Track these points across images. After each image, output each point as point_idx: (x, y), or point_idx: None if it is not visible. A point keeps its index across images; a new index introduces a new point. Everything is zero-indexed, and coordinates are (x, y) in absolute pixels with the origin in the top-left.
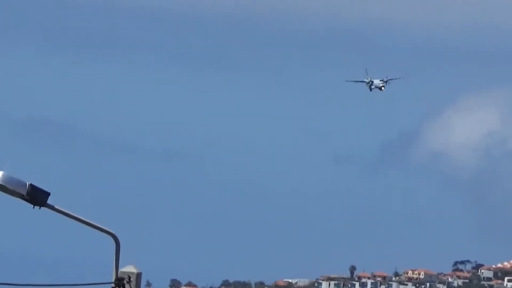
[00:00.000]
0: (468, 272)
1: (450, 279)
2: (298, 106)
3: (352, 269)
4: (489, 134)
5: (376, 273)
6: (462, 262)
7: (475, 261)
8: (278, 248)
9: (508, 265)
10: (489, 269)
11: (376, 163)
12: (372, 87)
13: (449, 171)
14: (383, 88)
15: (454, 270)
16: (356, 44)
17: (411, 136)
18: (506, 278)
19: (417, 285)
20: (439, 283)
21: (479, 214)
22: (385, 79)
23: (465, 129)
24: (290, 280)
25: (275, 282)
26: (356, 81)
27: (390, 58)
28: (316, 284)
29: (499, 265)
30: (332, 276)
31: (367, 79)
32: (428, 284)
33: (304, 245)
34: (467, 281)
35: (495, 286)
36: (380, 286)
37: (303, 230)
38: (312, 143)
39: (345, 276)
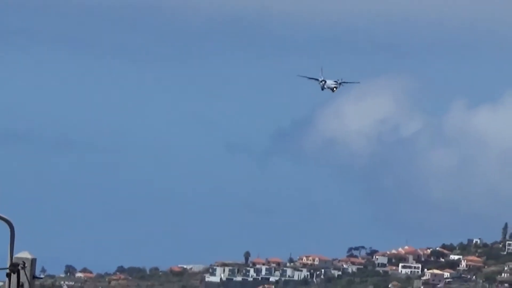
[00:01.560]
0: (363, 258)
1: (344, 265)
2: (190, 94)
3: (247, 255)
4: (382, 121)
5: (271, 259)
6: (357, 248)
7: (370, 247)
8: (173, 235)
9: (402, 251)
10: (384, 255)
11: (269, 151)
12: (325, 87)
13: (342, 158)
14: (335, 89)
15: (348, 256)
16: (246, 34)
17: (303, 124)
18: (400, 264)
19: (312, 271)
20: (334, 269)
21: (373, 200)
22: (339, 81)
23: (357, 116)
24: (184, 266)
25: (170, 268)
26: (309, 78)
27: (285, 45)
28: (210, 270)
29: (394, 251)
30: (226, 262)
31: (321, 78)
32: (322, 270)
33: (198, 231)
34: (361, 267)
35: (389, 272)
36: (274, 272)
37: (197, 217)
38: (204, 131)
39: (239, 262)
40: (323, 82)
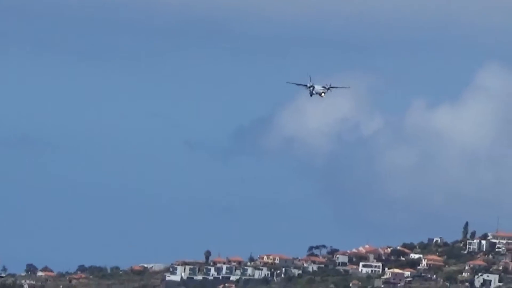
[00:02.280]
0: (323, 257)
1: (305, 264)
2: (149, 92)
3: (207, 254)
4: (342, 120)
5: (231, 258)
6: (317, 247)
7: (330, 246)
8: (133, 234)
9: (363, 250)
10: (344, 254)
11: (229, 149)
12: (313, 92)
13: (302, 157)
14: (323, 94)
15: (309, 255)
16: (207, 32)
17: (264, 123)
18: (361, 263)
19: (272, 270)
20: (294, 268)
21: (333, 199)
22: (328, 86)
23: (318, 115)
24: (145, 265)
25: (130, 267)
26: (298, 84)
27: (246, 43)
28: (171, 269)
29: (354, 250)
30: (187, 261)
31: (309, 83)
32: (283, 269)
33: (159, 230)
34: (322, 266)
35: (350, 271)
36: (235, 271)
37: (157, 216)
38: (163, 129)
39: (200, 261)
40: (312, 87)
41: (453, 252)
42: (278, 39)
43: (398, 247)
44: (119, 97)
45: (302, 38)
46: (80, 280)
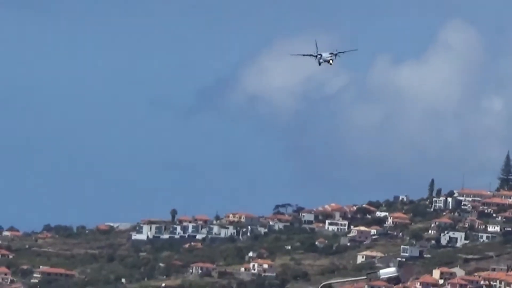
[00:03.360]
0: (289, 215)
1: (271, 222)
2: (113, 50)
3: (173, 212)
4: (306, 78)
5: (197, 217)
6: (283, 206)
7: (296, 205)
8: (99, 193)
9: (329, 208)
10: (310, 213)
11: (193, 107)
12: (321, 61)
13: (267, 115)
14: (331, 61)
15: (275, 214)
16: None
17: (227, 81)
18: (327, 221)
19: (238, 228)
20: (260, 226)
21: (298, 158)
22: (335, 52)
23: (281, 73)
24: (111, 224)
25: (96, 226)
26: (304, 55)
27: (206, 2)
28: (137, 228)
29: (320, 208)
30: (153, 220)
31: (315, 52)
32: (249, 227)
33: (124, 189)
34: (288, 224)
35: (316, 229)
36: (201, 229)
37: (122, 175)
38: (127, 87)
39: (166, 220)
40: (319, 56)
41: (419, 209)
42: None
43: (364, 205)
44: (81, 56)
45: None
46: (46, 239)
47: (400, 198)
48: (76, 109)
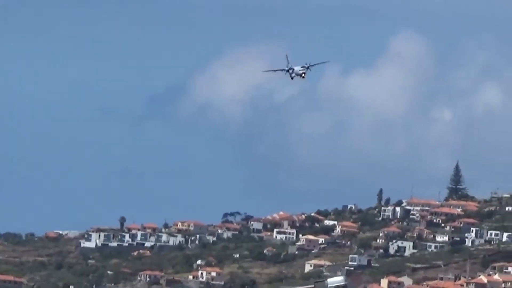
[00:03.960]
0: (238, 223)
1: (219, 231)
2: (63, 58)
3: (122, 220)
4: (256, 87)
5: (146, 225)
6: (232, 214)
7: (245, 213)
8: (47, 200)
9: (277, 217)
10: (259, 221)
11: (143, 115)
12: (293, 74)
13: (216, 123)
14: (303, 75)
15: (223, 222)
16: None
17: (178, 90)
18: (275, 230)
19: (187, 236)
20: (209, 234)
21: (247, 166)
22: (307, 65)
23: (232, 82)
24: (60, 232)
25: (45, 234)
26: (275, 70)
27: (159, 10)
28: (86, 236)
29: (268, 217)
30: (102, 227)
31: (287, 66)
32: (197, 235)
33: (73, 197)
34: (236, 232)
35: (264, 237)
36: (150, 237)
37: (71, 182)
38: (76, 94)
39: (115, 228)
40: (291, 70)
41: (367, 219)
42: (192, 6)
43: (312, 214)
44: (31, 63)
45: (213, 7)
46: None
47: (349, 207)
48: (25, 116)
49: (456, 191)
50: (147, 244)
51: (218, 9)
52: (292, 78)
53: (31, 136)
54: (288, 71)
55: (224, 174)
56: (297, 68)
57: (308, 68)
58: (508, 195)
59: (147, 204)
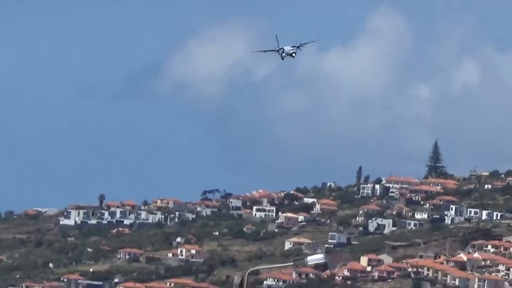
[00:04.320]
0: (217, 201)
1: (198, 208)
2: (38, 35)
3: (101, 198)
4: (233, 65)
5: (125, 202)
6: (211, 192)
7: (224, 191)
8: (26, 178)
9: (257, 195)
10: (238, 199)
11: (119, 94)
12: (283, 54)
13: (194, 101)
14: (294, 55)
15: (202, 200)
16: None
17: (154, 68)
18: (254, 207)
19: (166, 214)
20: (188, 212)
21: (226, 144)
22: (297, 44)
23: (208, 60)
24: (39, 209)
25: (24, 211)
26: (265, 51)
27: None
28: (65, 213)
29: (248, 194)
30: (81, 205)
31: (277, 47)
32: (177, 213)
33: (52, 174)
34: (216, 210)
35: (243, 215)
36: (129, 215)
37: (49, 160)
38: (52, 73)
39: (94, 205)
40: (281, 50)
41: (346, 196)
42: None
43: (292, 192)
44: (5, 42)
45: None
46: None
47: (328, 184)
48: (3, 97)
49: (435, 169)
50: (126, 222)
51: None
52: (282, 58)
53: (8, 115)
54: (278, 51)
55: (202, 152)
56: (288, 48)
57: (298, 47)
58: (487, 173)
59: (126, 182)
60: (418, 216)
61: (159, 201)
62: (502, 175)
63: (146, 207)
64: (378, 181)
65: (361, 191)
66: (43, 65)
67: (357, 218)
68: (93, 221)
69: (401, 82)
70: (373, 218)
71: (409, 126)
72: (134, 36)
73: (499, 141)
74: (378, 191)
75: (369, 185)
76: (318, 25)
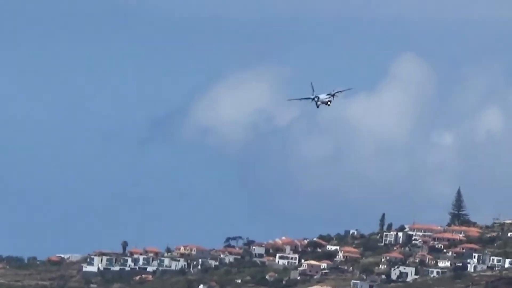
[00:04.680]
0: (240, 248)
1: (221, 255)
2: (64, 82)
3: (124, 244)
4: (257, 111)
5: (148, 249)
6: (234, 239)
7: (247, 238)
8: (51, 224)
9: (280, 242)
10: (261, 246)
11: (145, 139)
12: (319, 103)
13: (218, 147)
14: (329, 103)
15: (226, 247)
16: (124, 20)
17: (179, 113)
18: (277, 255)
19: (189, 260)
20: (211, 259)
21: (249, 190)
22: (332, 92)
23: (233, 105)
24: (62, 255)
25: (47, 257)
26: (300, 99)
27: (151, 32)
28: (88, 260)
29: (271, 241)
30: (104, 251)
31: (312, 95)
32: (200, 260)
33: (76, 221)
34: (239, 257)
35: (266, 262)
36: (152, 261)
37: (73, 206)
38: (79, 119)
39: (117, 252)
40: (317, 98)
41: (369, 244)
42: (193, 29)
43: (315, 239)
44: (34, 88)
45: (213, 29)
46: None
47: (351, 232)
48: (29, 142)
49: (458, 216)
50: (149, 269)
51: (219, 32)
52: (317, 107)
53: (35, 160)
54: (313, 99)
55: (226, 198)
56: (323, 96)
57: (333, 95)
58: (510, 221)
59: (149, 228)
60: (441, 264)
61: (182, 247)
62: None
63: (169, 254)
64: (401, 228)
65: (384, 239)
66: (69, 110)
67: (380, 265)
68: (116, 268)
69: (424, 128)
70: (396, 266)
71: (433, 173)
72: (159, 82)
73: None
74: (401, 239)
75: (392, 232)
76: (343, 72)
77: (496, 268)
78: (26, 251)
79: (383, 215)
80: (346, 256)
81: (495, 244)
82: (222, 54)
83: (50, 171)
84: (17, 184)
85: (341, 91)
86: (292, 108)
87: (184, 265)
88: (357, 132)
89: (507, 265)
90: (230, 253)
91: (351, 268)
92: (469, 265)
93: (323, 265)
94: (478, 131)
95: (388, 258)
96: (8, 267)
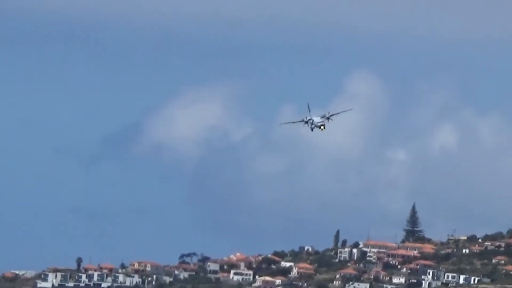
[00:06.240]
0: (195, 264)
1: (176, 272)
2: (19, 98)
3: (79, 261)
4: (211, 128)
5: (103, 265)
6: (189, 255)
7: (201, 254)
8: (4, 240)
9: (234, 258)
10: (215, 262)
11: (98, 155)
12: (313, 126)
13: (172, 163)
14: (323, 127)
15: (180, 263)
16: (79, 39)
17: (132, 129)
18: (232, 271)
19: (144, 277)
20: (166, 275)
21: (203, 207)
22: (327, 115)
23: (186, 122)
24: (17, 272)
25: (2, 274)
26: (294, 122)
27: (115, 50)
28: (42, 276)
29: (225, 258)
30: (59, 268)
31: (305, 118)
32: (154, 276)
33: (29, 237)
34: (193, 273)
35: (221, 279)
36: (106, 278)
37: (26, 223)
38: (31, 134)
39: (71, 268)
40: (311, 121)
41: (324, 260)
42: (148, 45)
43: (269, 255)
44: None
45: (170, 44)
46: None
47: (306, 248)
48: None
49: (413, 233)
50: (104, 285)
51: (174, 49)
52: (312, 130)
53: None
54: (307, 122)
55: (180, 214)
56: (317, 119)
57: (328, 118)
58: (464, 238)
59: (104, 244)
60: (395, 280)
61: (136, 263)
62: (480, 240)
63: (123, 270)
64: (356, 245)
65: (338, 255)
66: (21, 126)
67: (334, 282)
68: (71, 284)
69: (378, 145)
70: (350, 282)
71: (387, 189)
72: (113, 98)
73: (477, 205)
74: (355, 255)
75: (346, 249)
76: (297, 88)
77: (451, 285)
78: None
79: (338, 231)
80: (301, 273)
81: (450, 261)
82: (176, 71)
83: (3, 187)
84: None
85: (336, 114)
86: (246, 125)
87: (139, 281)
88: (311, 148)
89: (461, 281)
90: (185, 269)
91: (305, 284)
92: (423, 282)
93: (278, 281)
94: (432, 147)
95: (342, 274)
96: None
